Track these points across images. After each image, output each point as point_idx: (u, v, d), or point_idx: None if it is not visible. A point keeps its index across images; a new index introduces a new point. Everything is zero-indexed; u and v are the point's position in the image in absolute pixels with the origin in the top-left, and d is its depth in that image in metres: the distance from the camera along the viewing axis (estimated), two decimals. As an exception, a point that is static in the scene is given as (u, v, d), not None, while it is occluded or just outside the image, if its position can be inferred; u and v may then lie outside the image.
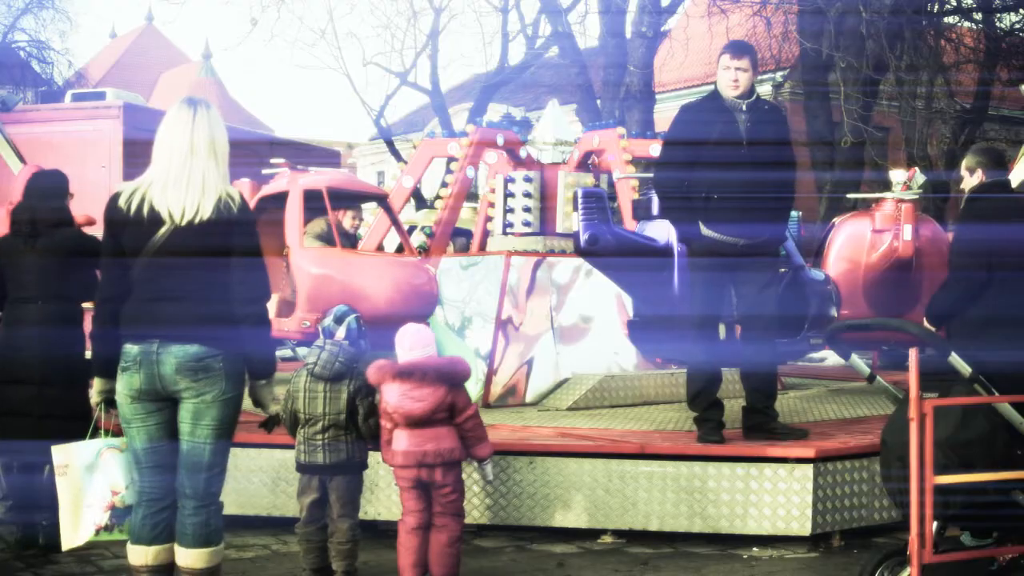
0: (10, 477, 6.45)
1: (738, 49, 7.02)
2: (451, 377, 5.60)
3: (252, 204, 9.06)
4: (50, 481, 5.28)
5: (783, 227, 7.12)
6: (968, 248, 6.04)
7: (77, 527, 5.04)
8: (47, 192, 6.62)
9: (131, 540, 4.75)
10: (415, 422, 5.46)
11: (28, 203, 6.54)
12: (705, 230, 6.82)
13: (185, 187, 4.53)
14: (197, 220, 4.51)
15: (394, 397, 5.46)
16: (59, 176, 6.77)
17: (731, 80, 6.87)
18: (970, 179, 6.18)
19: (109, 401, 4.81)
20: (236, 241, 4.59)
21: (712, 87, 7.05)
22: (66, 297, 6.44)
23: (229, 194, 4.61)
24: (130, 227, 4.58)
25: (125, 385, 4.62)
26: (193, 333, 4.52)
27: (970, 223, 6.12)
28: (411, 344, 5.61)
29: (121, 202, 4.59)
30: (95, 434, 5.14)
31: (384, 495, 6.53)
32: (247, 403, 4.82)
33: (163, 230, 4.53)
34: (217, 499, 4.76)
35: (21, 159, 9.15)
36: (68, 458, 5.07)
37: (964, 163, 6.28)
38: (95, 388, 4.84)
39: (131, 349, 4.59)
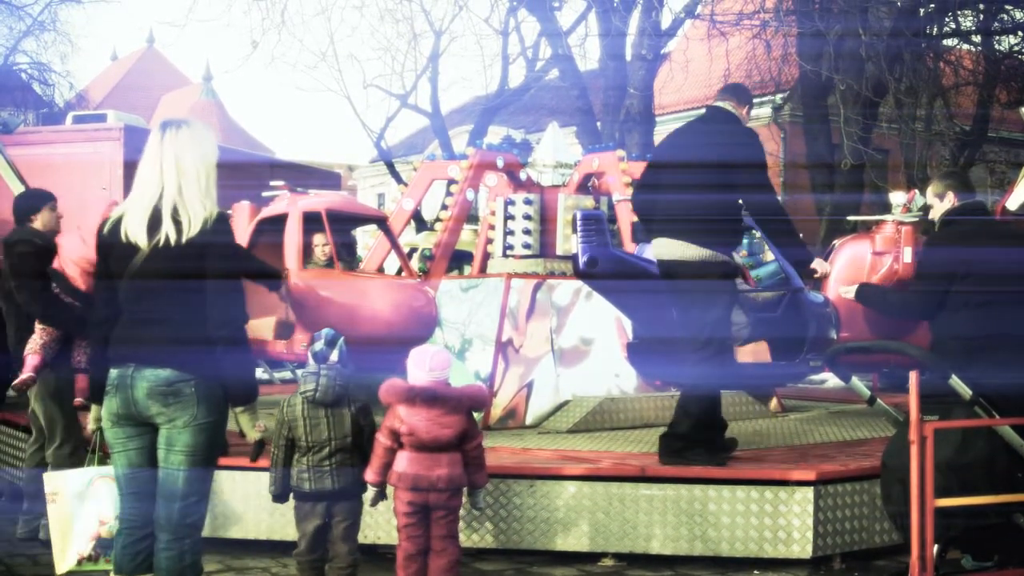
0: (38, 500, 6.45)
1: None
2: (477, 406, 5.62)
3: (251, 226, 9.08)
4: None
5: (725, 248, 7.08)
6: (928, 271, 6.04)
7: (64, 555, 5.02)
8: None
9: (113, 569, 4.67)
10: (434, 447, 5.45)
11: None
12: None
13: (168, 212, 4.46)
14: (176, 242, 4.44)
15: (419, 421, 5.42)
16: None
17: None
18: (941, 204, 6.14)
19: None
20: (211, 264, 4.49)
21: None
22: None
23: (210, 215, 4.52)
24: (114, 251, 4.54)
25: (107, 410, 4.56)
26: (167, 357, 4.44)
27: (940, 246, 6.11)
28: (432, 366, 5.55)
29: (107, 227, 4.57)
30: (94, 461, 5.13)
31: (383, 518, 6.52)
32: (233, 427, 4.76)
33: (139, 254, 4.47)
34: (195, 533, 4.58)
35: (22, 181, 9.15)
36: (58, 486, 5.04)
37: (931, 190, 6.21)
38: (91, 415, 4.79)
39: (112, 373, 4.53)
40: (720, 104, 7.14)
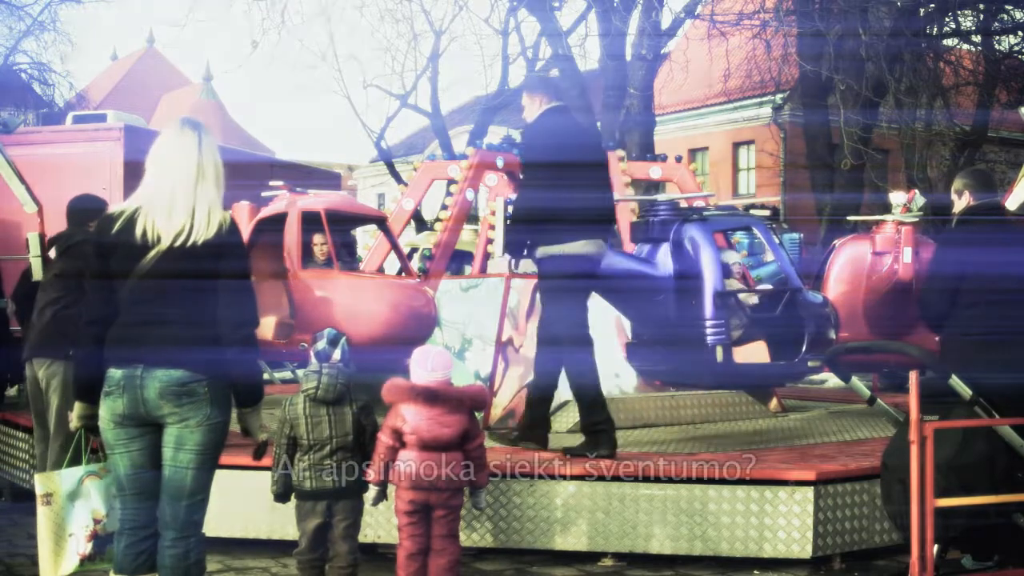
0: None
1: None
2: (478, 405, 5.62)
3: (251, 226, 9.09)
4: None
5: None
6: (938, 271, 6.09)
7: (60, 557, 5.00)
8: None
9: (113, 569, 4.65)
10: (436, 447, 5.45)
11: None
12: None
13: (189, 212, 4.45)
14: (193, 243, 4.43)
15: (421, 420, 5.42)
16: None
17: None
18: (959, 202, 6.21)
19: (90, 428, 4.72)
20: (225, 265, 4.50)
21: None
22: None
23: (224, 218, 4.55)
24: (120, 249, 4.50)
25: (108, 410, 4.52)
26: (180, 357, 4.43)
27: (950, 247, 6.16)
28: (434, 366, 5.55)
29: (113, 224, 4.52)
30: (76, 460, 5.11)
31: (384, 518, 6.52)
32: (234, 426, 4.76)
33: (153, 253, 4.44)
34: (198, 530, 4.59)
35: (22, 180, 9.16)
36: (53, 487, 5.03)
37: (953, 186, 6.32)
38: (75, 413, 4.75)
39: (115, 374, 4.49)
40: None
